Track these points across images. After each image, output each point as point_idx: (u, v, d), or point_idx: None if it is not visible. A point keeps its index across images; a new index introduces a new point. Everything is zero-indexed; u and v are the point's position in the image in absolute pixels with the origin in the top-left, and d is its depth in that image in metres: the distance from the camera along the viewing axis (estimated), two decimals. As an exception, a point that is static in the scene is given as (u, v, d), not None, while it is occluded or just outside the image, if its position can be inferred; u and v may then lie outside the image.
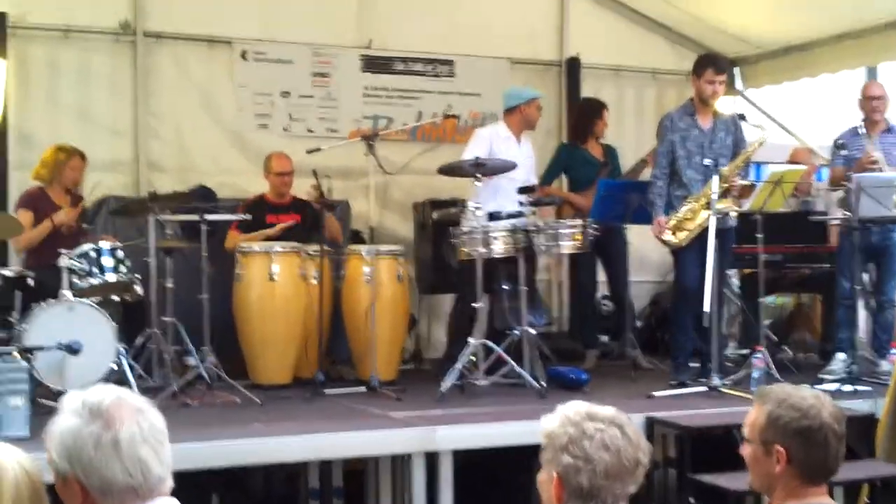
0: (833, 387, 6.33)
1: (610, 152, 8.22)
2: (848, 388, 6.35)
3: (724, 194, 6.52)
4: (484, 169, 6.68)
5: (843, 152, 7.19)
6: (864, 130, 7.22)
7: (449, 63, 8.97)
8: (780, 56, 9.21)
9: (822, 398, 2.85)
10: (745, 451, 2.90)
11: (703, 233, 6.42)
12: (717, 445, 5.56)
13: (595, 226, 7.03)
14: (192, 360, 6.31)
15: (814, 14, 8.41)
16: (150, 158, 8.07)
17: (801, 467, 2.79)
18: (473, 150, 7.03)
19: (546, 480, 2.44)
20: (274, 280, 6.82)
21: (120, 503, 2.11)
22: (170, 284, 6.36)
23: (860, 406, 5.99)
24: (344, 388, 6.57)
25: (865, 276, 7.40)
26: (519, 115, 7.39)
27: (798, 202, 8.26)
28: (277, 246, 6.94)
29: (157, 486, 2.14)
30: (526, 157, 7.31)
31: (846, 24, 8.36)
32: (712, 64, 6.83)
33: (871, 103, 7.25)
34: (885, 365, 6.81)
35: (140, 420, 2.13)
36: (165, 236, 6.52)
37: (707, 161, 6.60)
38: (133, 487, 2.10)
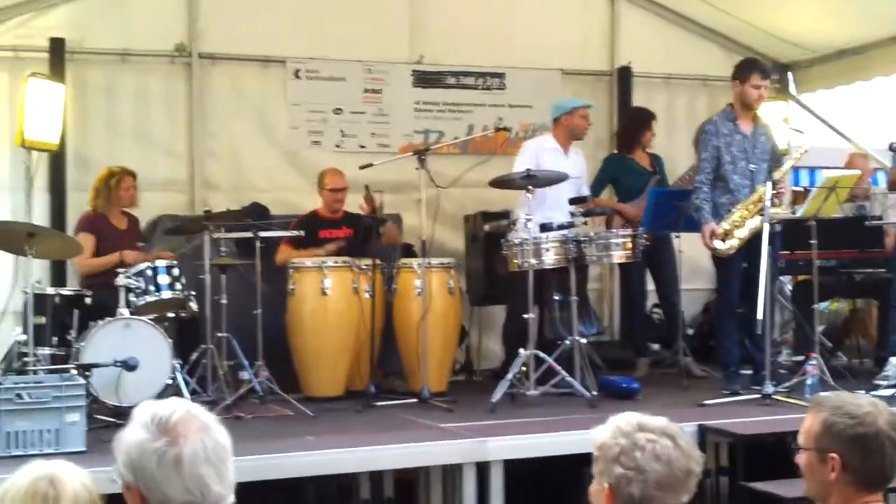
0: (889, 392, 6.25)
1: (656, 161, 8.20)
2: (903, 393, 6.26)
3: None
4: (535, 181, 6.70)
5: (898, 154, 7.09)
6: None
7: (500, 76, 9.01)
8: (834, 60, 9.11)
9: (878, 405, 2.83)
10: (801, 458, 2.89)
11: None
12: (771, 453, 5.52)
13: (645, 235, 7.05)
14: (245, 375, 6.42)
15: (866, 17, 8.32)
16: (206, 177, 8.22)
17: (856, 475, 2.77)
18: (521, 162, 7.09)
19: (598, 491, 2.44)
20: (326, 294, 6.92)
21: None
22: (224, 300, 6.46)
23: (916, 412, 5.90)
24: (395, 399, 6.62)
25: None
26: (563, 126, 7.42)
27: (853, 207, 8.17)
28: (330, 261, 7.03)
29: (217, 503, 2.17)
30: (574, 167, 7.32)
31: (898, 28, 8.26)
32: (758, 68, 6.80)
33: None
34: (942, 369, 6.71)
35: (205, 438, 2.15)
36: (220, 253, 6.64)
37: (752, 166, 6.57)
38: (190, 502, 2.14)
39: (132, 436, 2.16)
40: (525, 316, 6.54)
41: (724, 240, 6.52)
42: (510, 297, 7.40)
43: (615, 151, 8.41)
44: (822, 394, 2.98)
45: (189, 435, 2.14)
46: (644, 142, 8.12)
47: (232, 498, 2.20)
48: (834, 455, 2.77)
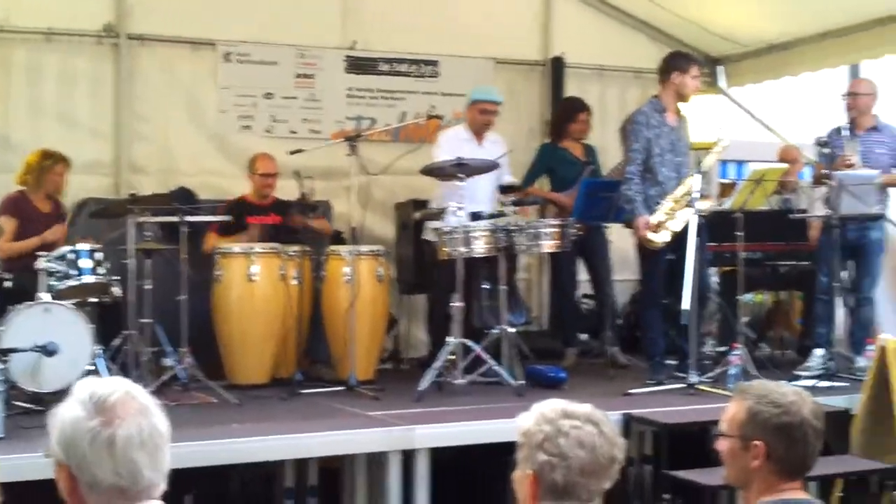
0: (810, 382, 6.36)
1: (590, 151, 8.23)
2: (824, 383, 6.37)
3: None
4: (466, 169, 6.71)
5: (825, 150, 7.21)
6: (847, 129, 7.21)
7: (433, 63, 8.98)
8: (763, 55, 9.23)
9: (802, 395, 2.86)
10: (723, 445, 2.91)
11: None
12: (694, 442, 5.60)
13: (577, 225, 7.08)
14: (169, 361, 6.33)
15: (796, 13, 8.43)
16: (132, 160, 8.07)
17: (779, 463, 2.80)
18: (438, 154, 7.13)
19: (521, 478, 2.44)
20: (253, 281, 6.84)
21: (106, 501, 2.09)
22: (148, 286, 6.37)
23: (836, 402, 6.03)
24: (322, 387, 6.58)
25: (845, 274, 7.41)
26: (468, 116, 7.44)
27: (780, 200, 8.29)
28: (257, 247, 6.96)
29: (147, 489, 2.11)
30: (490, 157, 7.18)
31: (828, 23, 8.36)
32: (696, 61, 6.89)
33: (851, 100, 7.26)
34: (861, 361, 6.83)
35: (142, 421, 2.10)
36: (145, 238, 6.54)
37: (678, 159, 6.64)
38: (121, 488, 2.08)
39: (68, 412, 2.10)
40: (453, 304, 6.54)
41: (657, 231, 6.57)
42: (435, 285, 7.41)
43: (548, 141, 8.42)
44: (747, 382, 3.00)
45: (126, 417, 2.09)
46: (573, 132, 8.14)
47: (164, 486, 2.14)
48: (758, 443, 2.80)
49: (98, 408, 2.09)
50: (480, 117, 7.42)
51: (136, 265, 6.34)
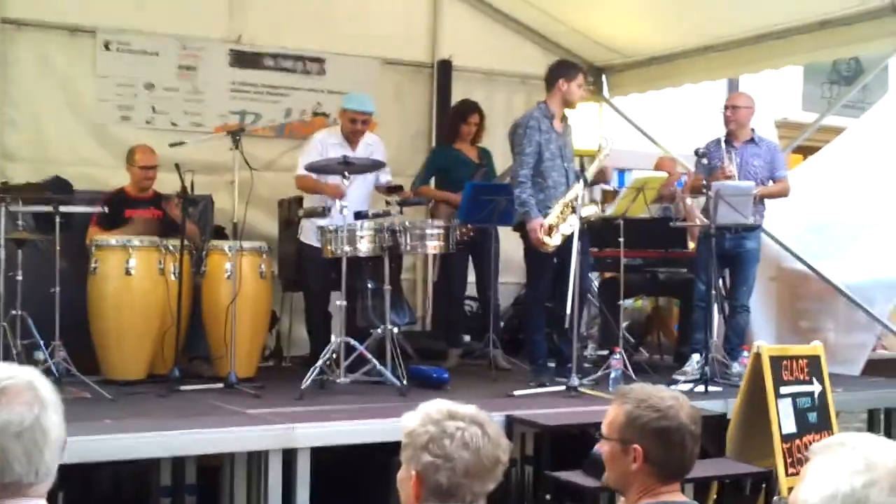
0: (687, 387, 6.48)
1: (485, 154, 8.24)
2: (700, 388, 6.50)
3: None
4: (352, 168, 6.66)
5: (704, 161, 7.37)
6: (724, 142, 7.37)
7: (320, 61, 8.89)
8: (646, 66, 9.42)
9: (680, 399, 2.89)
10: (603, 448, 2.93)
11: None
12: (575, 444, 5.64)
13: (467, 227, 7.11)
14: (40, 355, 6.09)
15: (678, 25, 8.62)
16: (5, 148, 7.78)
17: (657, 466, 2.83)
18: (306, 155, 7.10)
19: (405, 478, 2.43)
20: (131, 274, 6.65)
21: None
22: (19, 277, 6.14)
23: (712, 406, 6.15)
24: (201, 384, 6.43)
25: (721, 282, 7.59)
26: (341, 123, 7.40)
27: (660, 208, 8.45)
28: (135, 240, 6.76)
29: (16, 485, 2.03)
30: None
31: (709, 37, 8.58)
32: (582, 69, 6.99)
33: (725, 113, 7.43)
34: (736, 367, 7.01)
35: (26, 413, 2.01)
36: (17, 227, 6.30)
37: (566, 164, 6.73)
38: None
39: None
40: (338, 303, 6.49)
41: (549, 235, 6.61)
42: (309, 284, 7.40)
43: (442, 142, 8.39)
44: (627, 386, 3.03)
45: (11, 404, 2.00)
46: (464, 133, 8.14)
47: (41, 488, 2.06)
48: (637, 446, 2.82)
49: None
50: (350, 126, 7.31)
51: (7, 255, 6.12)
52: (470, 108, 8.26)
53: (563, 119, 6.93)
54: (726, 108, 7.45)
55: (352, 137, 7.34)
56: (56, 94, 8.00)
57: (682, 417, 2.84)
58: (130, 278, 6.66)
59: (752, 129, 7.49)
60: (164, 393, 6.16)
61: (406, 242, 6.71)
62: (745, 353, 6.68)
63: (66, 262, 6.39)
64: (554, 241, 6.62)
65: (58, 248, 6.26)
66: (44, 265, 6.41)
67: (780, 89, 12.09)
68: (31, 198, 6.43)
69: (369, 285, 6.99)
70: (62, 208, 6.33)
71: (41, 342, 6.13)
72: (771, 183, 7.37)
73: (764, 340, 6.41)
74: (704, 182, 7.10)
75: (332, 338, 6.51)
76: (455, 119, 8.25)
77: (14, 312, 6.11)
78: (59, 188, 6.97)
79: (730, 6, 7.95)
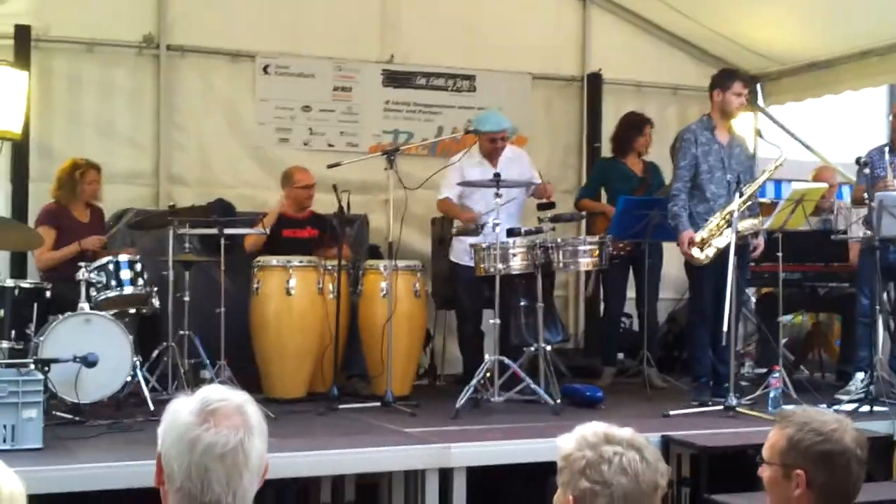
0: (850, 407, 6.28)
1: (652, 169, 8.15)
2: (865, 408, 6.29)
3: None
4: (504, 183, 6.68)
5: (866, 170, 7.10)
6: (889, 151, 7.13)
7: (470, 78, 8.98)
8: (803, 73, 9.17)
9: (844, 422, 2.82)
10: (764, 473, 2.86)
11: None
12: (733, 466, 5.53)
13: (623, 243, 7.05)
14: (206, 374, 6.33)
15: (837, 31, 8.39)
16: (171, 171, 8.13)
17: (820, 491, 2.76)
18: (447, 180, 7.15)
19: (563, 502, 2.40)
20: (291, 294, 6.83)
21: (177, 501, 2.10)
22: (186, 298, 6.40)
23: (877, 427, 5.94)
24: (358, 402, 6.56)
25: (885, 296, 7.33)
26: (479, 144, 7.36)
27: (819, 221, 8.22)
28: (295, 260, 6.94)
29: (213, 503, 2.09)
30: (506, 174, 6.97)
31: (869, 41, 8.31)
32: (738, 77, 6.86)
33: (894, 121, 7.20)
34: (904, 386, 6.77)
35: (231, 436, 2.08)
36: (184, 249, 6.56)
37: (729, 176, 6.60)
38: (189, 492, 2.08)
39: (181, 403, 2.14)
40: (491, 321, 6.53)
41: (701, 248, 6.52)
42: (461, 303, 7.44)
43: (610, 155, 8.35)
44: (788, 408, 2.98)
45: (220, 426, 2.09)
46: (637, 147, 8.07)
47: None
48: (799, 471, 2.76)
49: (202, 407, 2.11)
50: (490, 145, 7.29)
51: (175, 277, 6.37)
52: (643, 120, 8.19)
53: (730, 130, 6.81)
54: (894, 115, 7.21)
55: (493, 155, 7.35)
56: (218, 118, 8.31)
57: (847, 441, 2.76)
58: (291, 298, 6.83)
59: None
60: (323, 411, 6.30)
61: (559, 259, 6.70)
62: (914, 372, 6.45)
63: (230, 282, 6.62)
64: (704, 254, 6.51)
65: (222, 269, 6.49)
66: (209, 286, 6.67)
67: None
68: (198, 220, 6.68)
69: (522, 303, 6.99)
70: (226, 230, 6.57)
71: (207, 361, 6.37)
72: None
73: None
74: (868, 192, 6.88)
75: (486, 356, 6.55)
76: (629, 131, 8.14)
77: (182, 332, 6.37)
78: (223, 211, 7.20)
79: (889, 9, 7.69)
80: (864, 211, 7.03)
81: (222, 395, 2.15)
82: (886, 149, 7.14)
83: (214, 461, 2.07)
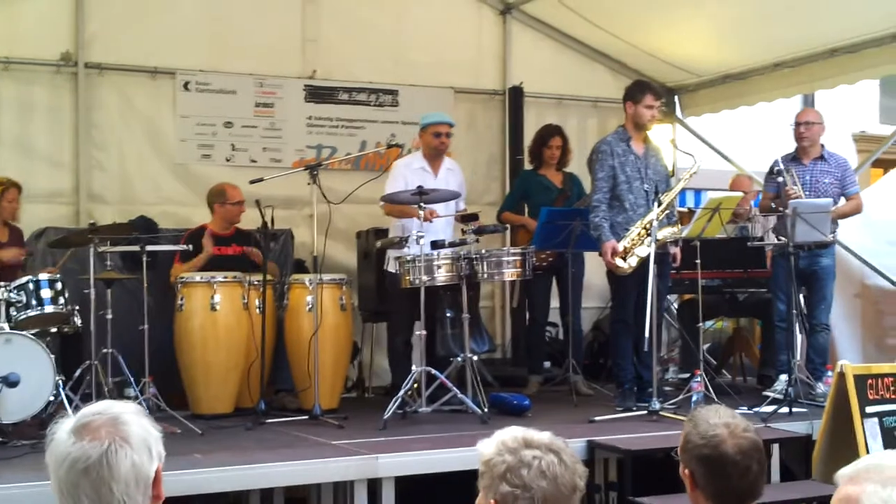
0: (770, 408, 6.42)
1: (571, 179, 8.24)
2: (784, 409, 6.43)
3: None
4: (427, 197, 6.74)
5: (780, 178, 7.25)
6: (791, 160, 7.30)
7: (393, 92, 9.02)
8: (719, 84, 9.39)
9: (732, 427, 2.86)
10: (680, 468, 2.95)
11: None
12: (657, 468, 5.62)
13: (546, 252, 7.12)
14: (131, 392, 6.26)
15: (750, 44, 8.60)
16: (91, 189, 8.03)
17: (707, 492, 2.83)
18: (389, 184, 7.18)
19: None
20: (216, 310, 6.80)
21: None
22: (109, 315, 6.33)
23: (797, 428, 6.09)
24: (286, 416, 6.55)
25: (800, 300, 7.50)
26: (422, 143, 7.45)
27: (736, 228, 8.39)
28: (219, 276, 6.91)
29: None
30: (446, 185, 7.22)
31: (782, 54, 8.54)
32: (650, 89, 6.96)
33: (799, 129, 7.36)
34: (821, 387, 6.91)
35: (94, 450, 2.05)
36: (106, 267, 6.49)
37: (646, 186, 6.71)
38: None
39: (61, 424, 2.13)
40: (417, 332, 6.56)
41: (624, 258, 6.62)
42: (393, 314, 7.44)
43: (530, 167, 8.44)
44: (701, 408, 3.03)
45: (83, 440, 2.06)
46: (546, 157, 8.17)
47: None
48: (686, 471, 2.85)
49: (75, 423, 2.09)
50: (435, 140, 7.38)
51: (97, 295, 6.29)
52: (550, 131, 8.27)
53: (645, 140, 6.94)
54: (798, 124, 7.38)
55: (437, 156, 7.41)
56: (138, 136, 8.24)
57: (725, 448, 2.81)
58: (216, 314, 6.81)
59: (822, 146, 7.42)
60: (250, 426, 6.27)
61: (483, 270, 6.77)
62: (830, 373, 6.59)
63: (153, 299, 6.56)
64: (627, 263, 6.62)
65: (145, 286, 6.44)
66: (132, 303, 6.61)
67: (857, 102, 11.95)
68: (119, 238, 6.61)
69: (448, 314, 7.04)
70: (148, 247, 6.52)
71: (131, 379, 6.30)
72: (843, 200, 7.28)
73: (849, 359, 6.33)
74: (777, 200, 7.04)
75: (413, 367, 6.59)
76: (537, 144, 8.28)
77: (105, 350, 6.29)
78: (144, 228, 7.16)
79: (801, 22, 7.90)
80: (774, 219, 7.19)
81: (100, 409, 2.12)
82: (780, 160, 7.30)
83: (79, 476, 2.05)
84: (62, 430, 2.09)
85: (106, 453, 2.05)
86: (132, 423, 2.11)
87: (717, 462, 2.81)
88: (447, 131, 7.43)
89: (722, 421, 2.89)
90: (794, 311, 7.05)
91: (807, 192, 7.15)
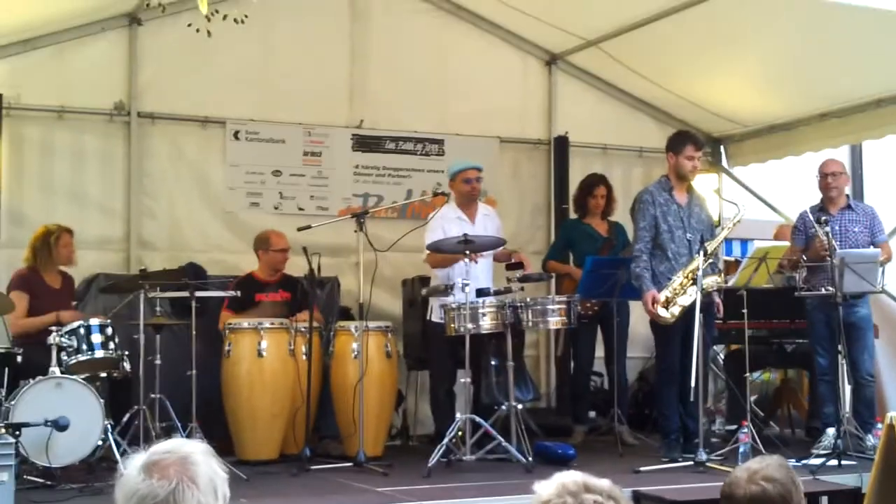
0: (819, 461, 6.34)
1: (616, 229, 8.27)
2: (833, 462, 6.34)
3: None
4: (472, 246, 6.77)
5: (826, 228, 7.16)
6: (818, 210, 7.27)
7: (439, 142, 9.10)
8: (765, 135, 9.37)
9: (753, 472, 2.85)
10: None
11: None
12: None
13: (591, 302, 7.10)
14: (178, 437, 6.31)
15: (797, 95, 8.60)
16: (142, 236, 8.16)
17: None
18: (430, 236, 7.19)
19: None
20: (262, 356, 6.86)
21: None
22: (158, 361, 6.41)
23: (846, 480, 6.00)
24: (330, 463, 6.56)
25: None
26: (454, 192, 7.47)
27: (783, 278, 8.31)
28: (266, 322, 6.98)
29: None
30: (483, 231, 7.23)
31: (829, 104, 8.53)
32: (691, 140, 6.96)
33: (826, 180, 7.31)
34: (870, 440, 6.81)
35: (162, 489, 2.09)
36: (155, 313, 6.58)
37: (689, 236, 6.71)
38: None
39: (131, 460, 2.17)
40: (463, 380, 6.57)
41: (666, 307, 6.60)
42: (434, 363, 7.47)
43: (575, 216, 8.47)
44: (756, 459, 3.02)
45: (152, 477, 2.09)
46: (591, 207, 8.20)
47: None
48: None
49: (145, 461, 2.13)
50: (467, 187, 7.40)
51: (146, 340, 6.38)
52: (595, 181, 8.31)
53: (688, 190, 6.94)
54: (825, 175, 7.31)
55: (469, 203, 7.44)
56: (188, 184, 8.36)
57: (737, 492, 2.81)
58: (262, 360, 6.87)
59: (847, 195, 7.38)
60: (295, 472, 6.30)
61: (528, 318, 6.79)
62: (879, 425, 6.49)
63: (201, 345, 6.63)
64: (668, 313, 6.59)
65: (193, 332, 6.51)
66: (180, 349, 6.68)
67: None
68: (168, 284, 6.70)
69: (493, 362, 7.04)
70: (197, 293, 6.60)
71: (178, 424, 6.36)
72: (872, 248, 7.21)
73: (898, 411, 6.23)
74: (805, 252, 7.00)
75: (457, 415, 6.59)
76: (582, 193, 8.31)
77: (153, 395, 6.37)
78: (193, 274, 7.23)
79: (848, 72, 7.89)
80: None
81: (170, 447, 2.16)
82: (808, 211, 7.26)
83: None
84: (132, 466, 2.13)
85: (173, 493, 2.09)
86: (201, 463, 2.15)
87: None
88: (477, 176, 7.46)
89: (752, 465, 2.89)
90: (842, 362, 6.94)
91: (837, 243, 7.03)
